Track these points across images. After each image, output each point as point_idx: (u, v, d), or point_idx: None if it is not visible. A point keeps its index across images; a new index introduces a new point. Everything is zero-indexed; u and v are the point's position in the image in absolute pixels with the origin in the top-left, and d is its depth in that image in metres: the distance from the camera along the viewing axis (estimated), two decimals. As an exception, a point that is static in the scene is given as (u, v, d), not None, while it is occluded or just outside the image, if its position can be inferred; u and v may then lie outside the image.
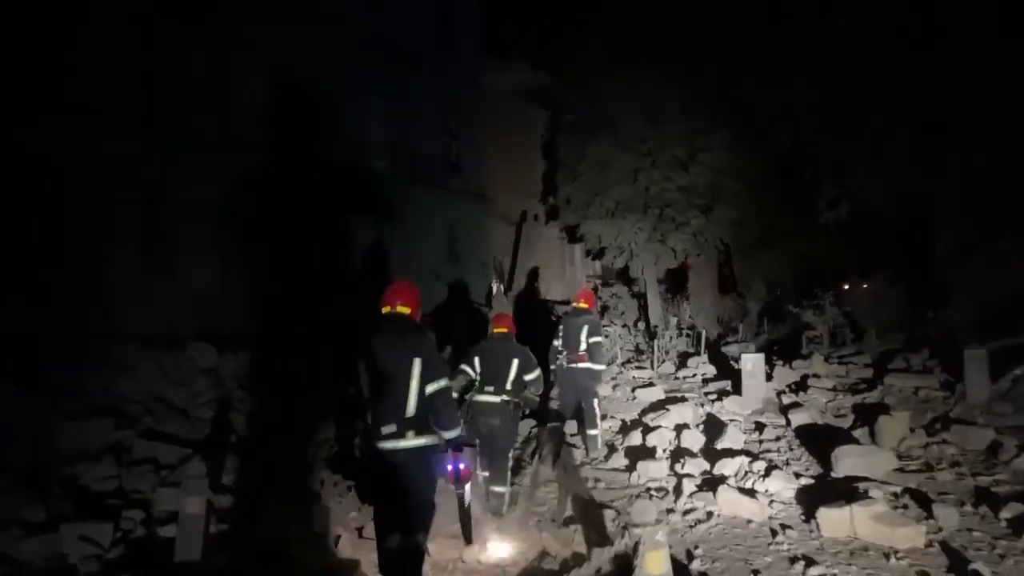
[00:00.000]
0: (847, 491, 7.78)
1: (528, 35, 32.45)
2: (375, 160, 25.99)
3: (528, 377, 8.68)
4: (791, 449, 10.53)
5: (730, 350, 19.74)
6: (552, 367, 11.86)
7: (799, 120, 20.76)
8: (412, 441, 5.31)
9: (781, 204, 22.62)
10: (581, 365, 11.31)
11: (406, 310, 5.77)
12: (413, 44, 27.06)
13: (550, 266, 31.32)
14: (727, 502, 8.03)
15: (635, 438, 11.60)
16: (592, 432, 11.38)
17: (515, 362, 8.61)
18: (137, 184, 16.53)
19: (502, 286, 25.86)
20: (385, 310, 5.78)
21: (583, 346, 11.22)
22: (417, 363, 5.38)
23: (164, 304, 16.46)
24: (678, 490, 8.66)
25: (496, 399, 8.42)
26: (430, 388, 5.38)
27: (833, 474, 8.85)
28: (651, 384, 15.69)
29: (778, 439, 11.03)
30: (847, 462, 9.02)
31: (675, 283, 28.98)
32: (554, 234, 30.70)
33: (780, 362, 15.81)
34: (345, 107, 25.07)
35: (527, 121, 30.92)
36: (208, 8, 19.16)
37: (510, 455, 8.84)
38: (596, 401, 11.51)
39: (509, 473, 8.70)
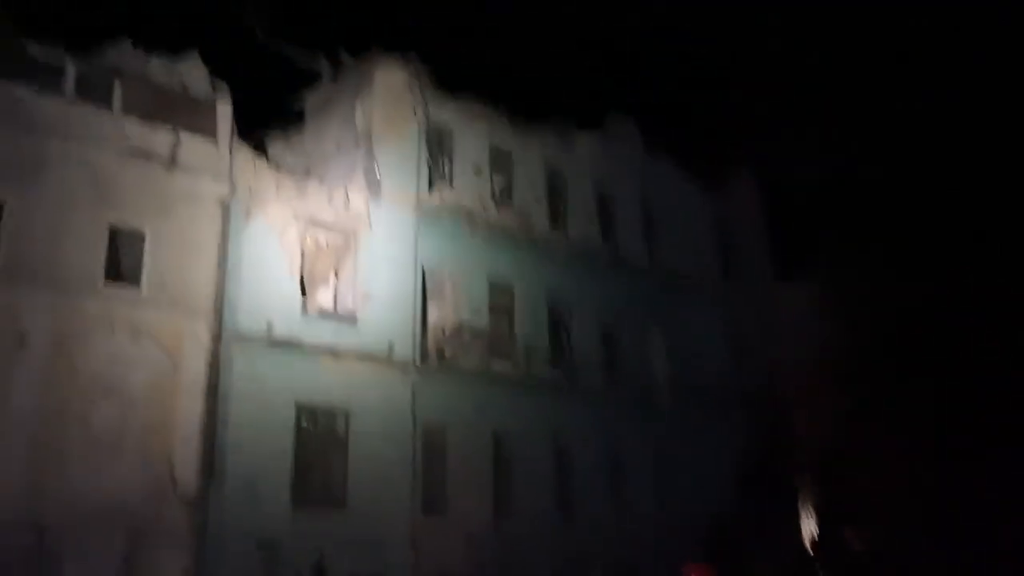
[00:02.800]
0: None
1: (814, 251, 30.85)
2: (656, 394, 25.19)
3: None
4: None
5: None
6: None
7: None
8: None
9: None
10: None
11: None
12: (694, 273, 26.82)
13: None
14: None
15: None
16: None
17: None
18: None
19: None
20: None
21: None
22: None
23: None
24: None
25: None
26: None
27: None
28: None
29: None
30: None
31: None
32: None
33: None
34: (623, 341, 25.04)
35: (818, 337, 28.53)
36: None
37: None
38: None
39: None
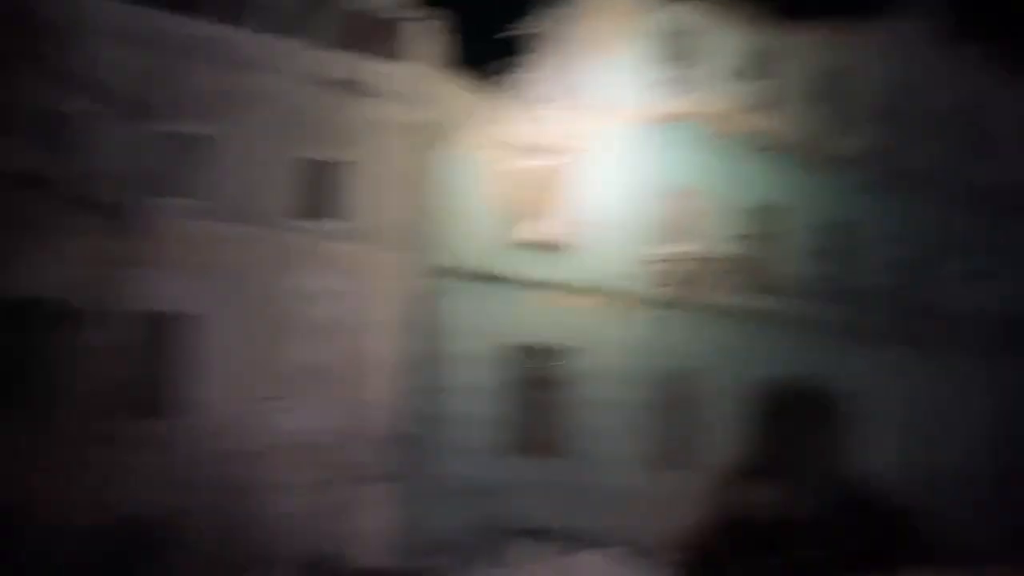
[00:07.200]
0: None
1: None
2: (975, 338, 20.02)
3: None
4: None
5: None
6: None
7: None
8: None
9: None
10: None
11: None
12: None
13: None
14: None
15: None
16: None
17: None
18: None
19: None
20: None
21: None
22: None
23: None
24: None
25: None
26: None
27: None
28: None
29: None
30: None
31: None
32: None
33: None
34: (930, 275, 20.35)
35: None
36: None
37: None
38: None
39: None
